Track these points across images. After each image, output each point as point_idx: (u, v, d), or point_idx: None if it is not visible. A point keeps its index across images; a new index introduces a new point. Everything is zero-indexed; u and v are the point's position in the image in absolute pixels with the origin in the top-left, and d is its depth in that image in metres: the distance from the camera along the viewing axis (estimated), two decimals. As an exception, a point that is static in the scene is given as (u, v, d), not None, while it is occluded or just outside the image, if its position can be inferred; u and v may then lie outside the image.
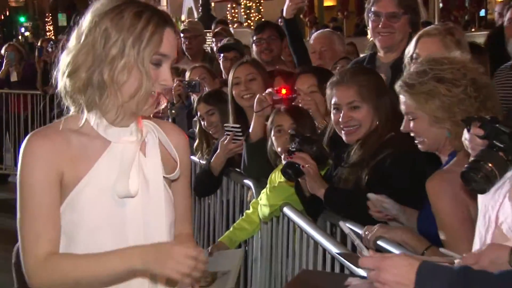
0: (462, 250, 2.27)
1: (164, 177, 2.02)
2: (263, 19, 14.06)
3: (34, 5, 32.59)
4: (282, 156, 3.38)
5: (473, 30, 13.20)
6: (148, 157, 2.00)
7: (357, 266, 2.34)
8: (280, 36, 5.18)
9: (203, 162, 4.58)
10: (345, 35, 8.84)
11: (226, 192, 4.46)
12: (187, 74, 5.40)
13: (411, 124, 2.67)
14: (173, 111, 5.17)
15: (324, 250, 3.05)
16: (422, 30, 3.30)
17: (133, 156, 1.96)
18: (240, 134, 4.12)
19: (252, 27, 12.70)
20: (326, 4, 21.46)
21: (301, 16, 17.36)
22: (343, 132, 3.17)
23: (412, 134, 2.72)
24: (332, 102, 3.20)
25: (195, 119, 4.95)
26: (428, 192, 2.62)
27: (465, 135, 2.34)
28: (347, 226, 1.86)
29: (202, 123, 4.63)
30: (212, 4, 17.37)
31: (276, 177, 3.70)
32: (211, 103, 4.56)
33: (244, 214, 4.03)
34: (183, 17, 17.42)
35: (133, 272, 1.90)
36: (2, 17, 33.55)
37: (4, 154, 10.09)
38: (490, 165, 2.17)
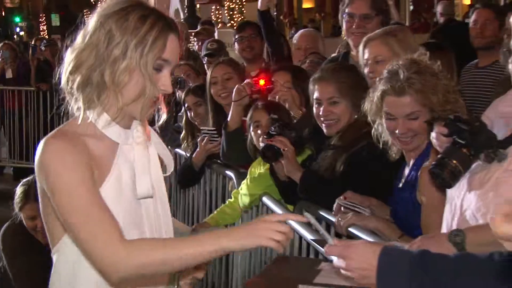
0: None
1: None
2: (245, 20, 14.03)
3: (29, 6, 32.30)
4: (261, 139, 3.37)
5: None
6: (151, 156, 1.94)
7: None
8: (260, 35, 5.18)
9: (187, 155, 4.60)
10: (323, 35, 8.86)
11: (209, 183, 4.49)
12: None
13: (415, 124, 2.63)
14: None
15: (301, 237, 3.06)
16: (366, 37, 3.33)
17: (146, 157, 1.89)
18: (216, 136, 4.18)
19: (235, 27, 12.67)
20: (304, 6, 21.46)
21: (281, 17, 17.39)
22: (323, 124, 3.21)
23: (408, 136, 2.67)
24: (314, 96, 3.23)
25: (180, 113, 4.95)
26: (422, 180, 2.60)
27: (432, 134, 2.35)
28: (311, 216, 1.85)
29: (189, 114, 4.62)
30: (198, 5, 17.30)
31: (256, 169, 3.70)
32: (200, 95, 4.55)
33: (227, 202, 4.04)
34: (170, 18, 17.31)
35: (223, 251, 1.75)
36: (-2, 17, 33.27)
37: (-1, 147, 10.07)
38: (454, 161, 2.18)
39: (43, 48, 10.01)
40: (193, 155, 4.34)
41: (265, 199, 3.52)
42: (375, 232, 2.75)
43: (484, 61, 4.44)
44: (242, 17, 17.92)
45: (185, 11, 15.44)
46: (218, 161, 4.29)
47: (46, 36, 21.47)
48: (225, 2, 19.12)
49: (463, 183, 2.30)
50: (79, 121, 1.84)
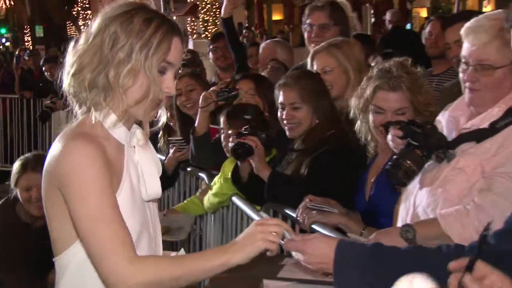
0: None
1: None
2: (219, 31, 14.04)
3: (14, 17, 31.94)
4: (231, 139, 3.37)
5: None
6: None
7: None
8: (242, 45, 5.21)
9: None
10: (291, 45, 8.93)
11: (183, 184, 4.49)
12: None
13: (401, 119, 2.62)
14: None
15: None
16: (313, 50, 3.42)
17: (150, 159, 1.81)
18: (184, 144, 4.18)
19: (209, 38, 12.68)
20: (274, 18, 21.60)
21: (253, 28, 17.42)
22: (286, 127, 3.22)
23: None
24: (279, 101, 3.25)
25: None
26: None
27: (388, 136, 2.38)
28: (266, 215, 1.85)
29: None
30: (174, 17, 17.27)
31: (228, 168, 3.69)
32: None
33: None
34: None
35: (230, 264, 1.68)
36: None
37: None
38: (408, 162, 2.21)
39: (26, 58, 9.98)
40: (165, 161, 4.34)
41: (234, 199, 3.50)
42: (339, 227, 2.75)
43: (437, 69, 4.50)
44: (216, 28, 17.98)
45: (162, 23, 15.34)
46: (192, 163, 4.28)
47: (31, 47, 21.29)
48: (200, 15, 19.14)
49: (416, 181, 2.32)
50: (89, 122, 1.75)
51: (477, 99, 2.22)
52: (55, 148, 1.70)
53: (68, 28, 27.75)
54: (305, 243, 1.79)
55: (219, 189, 3.62)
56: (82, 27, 26.67)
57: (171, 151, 4.27)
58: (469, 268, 1.31)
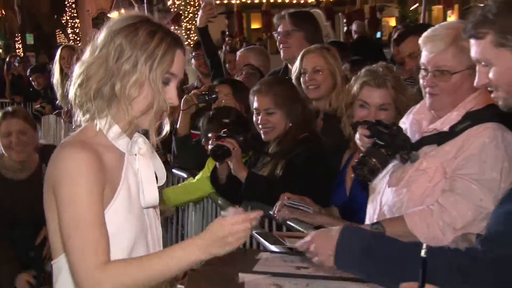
0: None
1: None
2: (200, 39, 13.98)
3: (6, 26, 31.60)
4: (210, 141, 3.37)
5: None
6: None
7: (271, 243, 2.35)
8: (216, 53, 5.20)
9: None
10: (269, 51, 8.98)
11: (166, 184, 4.44)
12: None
13: (384, 114, 2.66)
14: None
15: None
16: (304, 50, 3.43)
17: (151, 167, 1.77)
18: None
19: (191, 46, 12.62)
20: (253, 26, 21.62)
21: (233, 35, 17.41)
22: (261, 131, 3.24)
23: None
24: (254, 107, 3.26)
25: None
26: None
27: (356, 135, 2.39)
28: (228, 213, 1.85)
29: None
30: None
31: (212, 164, 3.68)
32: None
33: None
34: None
35: (195, 262, 1.66)
36: (-23, 37, 32.41)
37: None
38: (373, 160, 2.23)
39: (16, 64, 9.90)
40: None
41: (213, 195, 3.51)
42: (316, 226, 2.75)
43: (402, 75, 4.54)
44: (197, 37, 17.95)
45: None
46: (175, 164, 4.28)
47: (21, 54, 21.09)
48: (183, 23, 19.08)
49: (382, 181, 2.34)
50: (91, 131, 1.73)
51: (436, 103, 2.24)
52: (54, 154, 1.69)
53: (57, 36, 27.54)
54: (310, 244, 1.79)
55: (198, 184, 3.61)
56: (70, 35, 26.49)
57: None
58: None
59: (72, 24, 27.04)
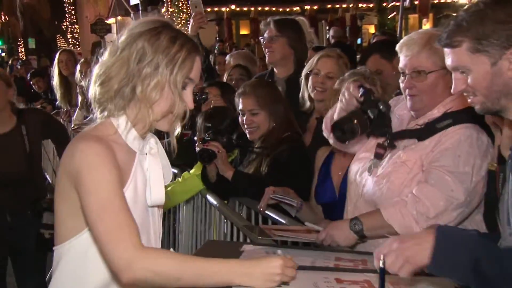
0: None
1: None
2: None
3: (9, 31, 31.42)
4: (197, 144, 3.36)
5: (352, 54, 13.49)
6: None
7: (257, 236, 2.33)
8: (208, 57, 5.19)
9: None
10: (257, 56, 9.03)
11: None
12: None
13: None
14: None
15: (232, 223, 3.05)
16: (322, 51, 3.37)
17: (160, 167, 1.73)
18: None
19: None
20: (241, 32, 21.62)
21: (223, 41, 17.39)
22: (247, 131, 3.23)
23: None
24: (239, 108, 3.25)
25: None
26: None
27: (345, 91, 2.37)
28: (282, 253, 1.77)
29: None
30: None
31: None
32: None
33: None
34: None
35: (231, 285, 1.55)
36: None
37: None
38: (355, 121, 2.23)
39: (19, 66, 9.80)
40: None
41: (204, 191, 3.49)
42: (288, 211, 2.74)
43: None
44: (192, 41, 17.92)
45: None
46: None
47: (24, 57, 20.95)
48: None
49: (365, 173, 2.34)
50: (107, 128, 1.69)
51: (417, 104, 2.25)
52: (71, 147, 1.65)
53: (58, 40, 27.44)
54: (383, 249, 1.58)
55: (193, 181, 3.59)
56: (70, 39, 26.37)
57: None
58: None
59: (72, 29, 26.94)
